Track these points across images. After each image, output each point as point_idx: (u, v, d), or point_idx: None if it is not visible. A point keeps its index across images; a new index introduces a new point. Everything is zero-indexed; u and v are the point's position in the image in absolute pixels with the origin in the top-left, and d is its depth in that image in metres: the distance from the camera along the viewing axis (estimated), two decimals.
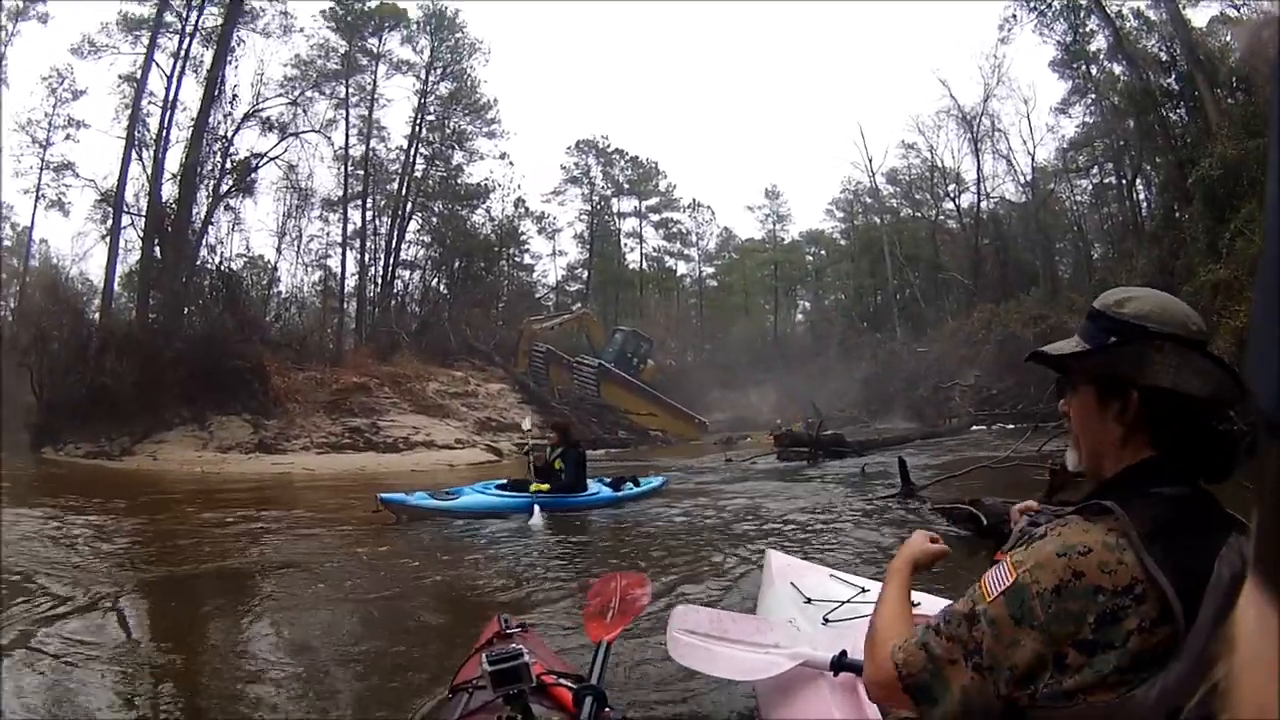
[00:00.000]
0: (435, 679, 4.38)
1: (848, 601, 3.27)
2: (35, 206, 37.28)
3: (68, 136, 36.27)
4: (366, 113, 41.44)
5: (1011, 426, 23.75)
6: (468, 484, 12.43)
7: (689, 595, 6.50)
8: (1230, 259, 20.43)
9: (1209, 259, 21.94)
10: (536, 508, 10.71)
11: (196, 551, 9.08)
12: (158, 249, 30.13)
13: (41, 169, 36.50)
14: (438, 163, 44.56)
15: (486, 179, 46.94)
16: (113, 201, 31.00)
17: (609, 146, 58.13)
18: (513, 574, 7.88)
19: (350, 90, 40.56)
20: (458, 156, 45.48)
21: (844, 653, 2.68)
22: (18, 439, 24.35)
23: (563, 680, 2.65)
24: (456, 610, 6.66)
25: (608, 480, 13.11)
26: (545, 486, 11.40)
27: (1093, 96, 37.93)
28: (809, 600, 3.44)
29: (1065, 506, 1.62)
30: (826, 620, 3.13)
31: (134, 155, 31.04)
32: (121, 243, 31.23)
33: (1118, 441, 1.53)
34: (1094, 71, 37.10)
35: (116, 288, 31.88)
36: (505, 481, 11.94)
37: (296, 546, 9.36)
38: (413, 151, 43.03)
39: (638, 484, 13.30)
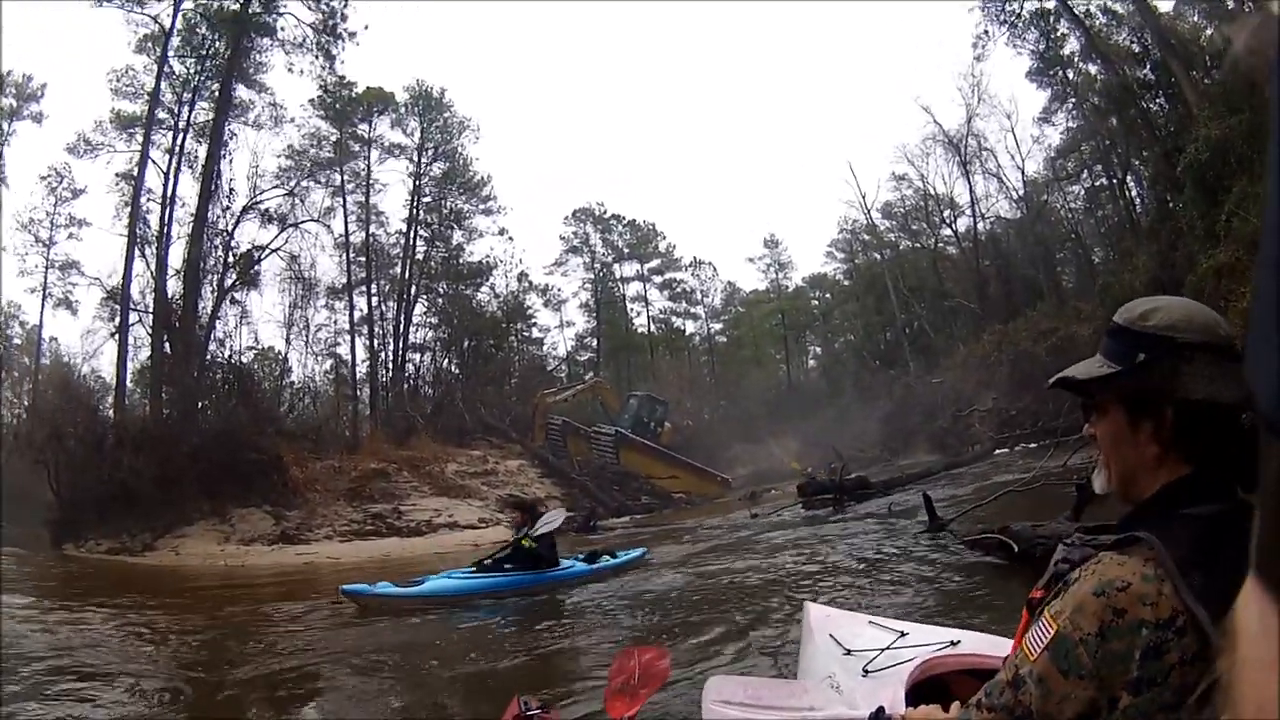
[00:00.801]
0: None
1: (887, 649, 3.16)
2: (43, 305, 38.06)
3: (70, 235, 37.32)
4: (364, 198, 42.10)
5: (1034, 445, 23.62)
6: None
7: (727, 659, 6.40)
8: (1229, 240, 20.41)
9: (1208, 244, 21.96)
10: (481, 591, 10.70)
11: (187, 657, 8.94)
12: (167, 345, 30.35)
13: (47, 268, 37.24)
14: (438, 243, 45.04)
15: (487, 256, 47.55)
16: (119, 299, 31.30)
17: (606, 213, 58.82)
18: (513, 654, 7.77)
19: (345, 177, 41.26)
20: (457, 236, 46.11)
21: (881, 709, 2.58)
22: (38, 535, 24.48)
23: None
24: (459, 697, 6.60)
25: (581, 556, 13.04)
26: (498, 562, 11.30)
27: (1073, 101, 38.20)
28: (848, 652, 3.33)
29: (1098, 535, 1.53)
30: (866, 671, 3.03)
31: (137, 252, 31.41)
32: (130, 339, 31.48)
33: (1153, 461, 1.45)
34: (1071, 75, 37.40)
35: (129, 384, 32.06)
36: (473, 566, 11.61)
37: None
38: (412, 234, 43.58)
39: (615, 556, 13.18)
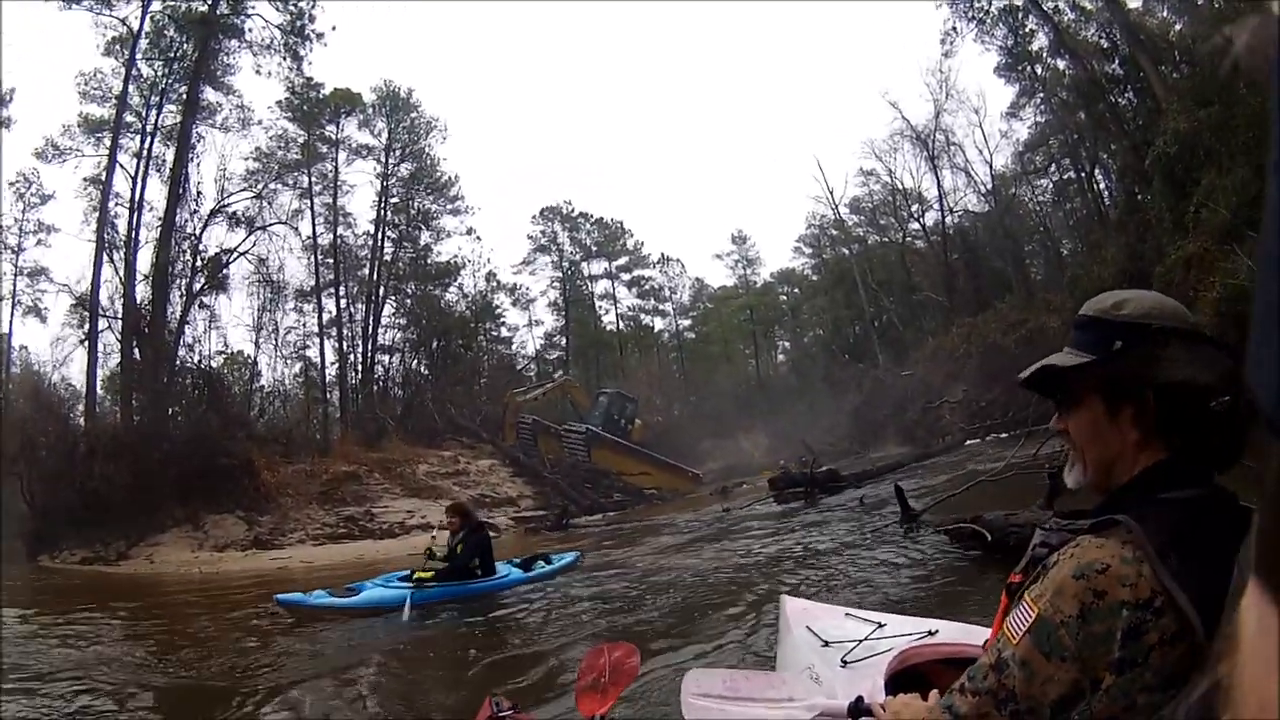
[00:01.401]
0: None
1: (865, 640, 3.20)
2: (12, 313, 37.36)
3: (39, 241, 36.63)
4: (331, 200, 41.92)
5: (1005, 435, 23.74)
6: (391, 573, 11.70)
7: (701, 654, 6.44)
8: (1197, 231, 20.63)
9: (1176, 236, 22.15)
10: (407, 603, 9.92)
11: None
12: (136, 351, 30.13)
13: (16, 275, 36.66)
14: (406, 244, 44.96)
15: (455, 256, 47.52)
16: (88, 306, 31.04)
17: (573, 211, 58.81)
18: (471, 659, 7.61)
19: (313, 179, 41.08)
20: (425, 236, 46.09)
21: (860, 699, 2.63)
22: (13, 548, 24.14)
23: None
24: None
25: (517, 562, 12.52)
26: (428, 574, 10.62)
27: (1041, 96, 38.38)
28: (826, 643, 3.34)
29: (1075, 520, 1.56)
30: (845, 662, 3.06)
31: (105, 258, 31.15)
32: (100, 346, 31.27)
33: (1134, 447, 1.48)
34: (1039, 71, 37.49)
35: (99, 391, 31.80)
36: (409, 572, 10.94)
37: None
38: (380, 235, 43.51)
39: (550, 562, 12.77)
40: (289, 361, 41.59)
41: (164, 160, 32.80)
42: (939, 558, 9.21)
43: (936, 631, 3.16)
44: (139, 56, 32.35)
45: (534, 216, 58.42)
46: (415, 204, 45.30)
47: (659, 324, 63.75)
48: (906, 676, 2.93)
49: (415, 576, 10.54)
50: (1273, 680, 0.49)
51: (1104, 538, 1.37)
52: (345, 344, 41.33)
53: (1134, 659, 1.26)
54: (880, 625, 3.37)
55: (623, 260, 60.89)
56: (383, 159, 43.80)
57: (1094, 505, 1.56)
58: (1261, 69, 0.49)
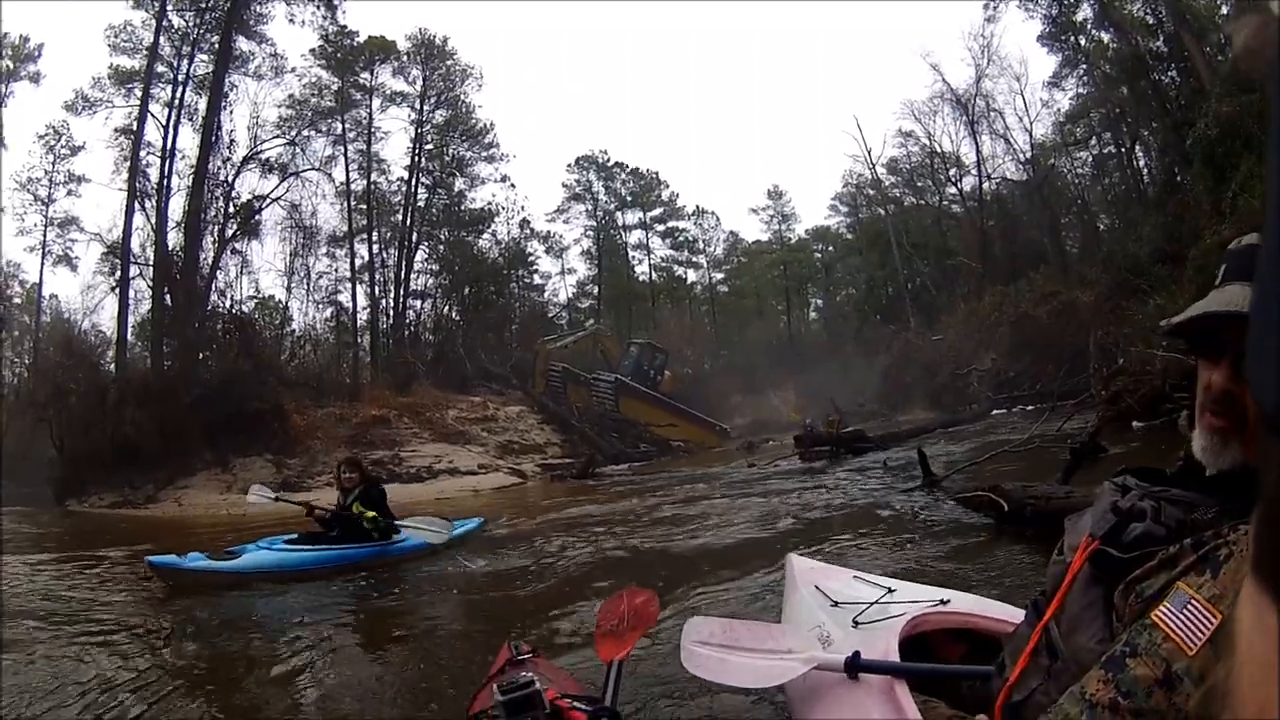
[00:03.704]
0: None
1: (875, 603, 3.12)
2: (42, 263, 37.90)
3: (70, 192, 36.97)
4: (365, 147, 41.86)
5: (1031, 408, 23.61)
6: (418, 516, 10.91)
7: (710, 607, 6.43)
8: (1234, 217, 20.30)
9: (1213, 220, 21.88)
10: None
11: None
12: (168, 297, 30.35)
13: (46, 226, 37.08)
14: (439, 191, 44.95)
15: (489, 203, 47.47)
16: (119, 254, 31.24)
17: (609, 160, 58.69)
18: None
19: (347, 126, 41.03)
20: (459, 183, 45.96)
21: (857, 654, 2.63)
22: (41, 492, 24.69)
23: (577, 704, 2.66)
24: None
25: None
26: (371, 514, 9.68)
27: (1084, 67, 37.82)
28: (836, 604, 3.31)
29: (1168, 488, 1.42)
30: (856, 623, 2.99)
31: (137, 206, 31.33)
32: (131, 293, 31.47)
33: None
34: (1083, 42, 37.01)
35: (130, 338, 32.08)
36: (296, 535, 9.77)
37: None
38: (414, 181, 43.44)
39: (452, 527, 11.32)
40: (320, 306, 41.72)
41: (196, 109, 32.93)
42: (954, 525, 9.12)
43: (948, 601, 3.10)
44: (170, 7, 32.32)
45: (569, 165, 58.50)
46: (450, 151, 45.18)
47: (692, 276, 63.75)
48: (916, 644, 2.89)
49: (356, 510, 9.59)
50: (1272, 681, 0.49)
51: None
52: (377, 289, 41.50)
53: None
54: (890, 590, 3.31)
55: (657, 211, 60.78)
56: (417, 106, 43.66)
57: (1174, 471, 1.47)
58: (1261, 69, 0.49)
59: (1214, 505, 1.31)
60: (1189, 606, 1.20)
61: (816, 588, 3.57)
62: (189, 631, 6.93)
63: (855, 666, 2.60)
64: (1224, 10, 28.30)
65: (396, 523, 10.21)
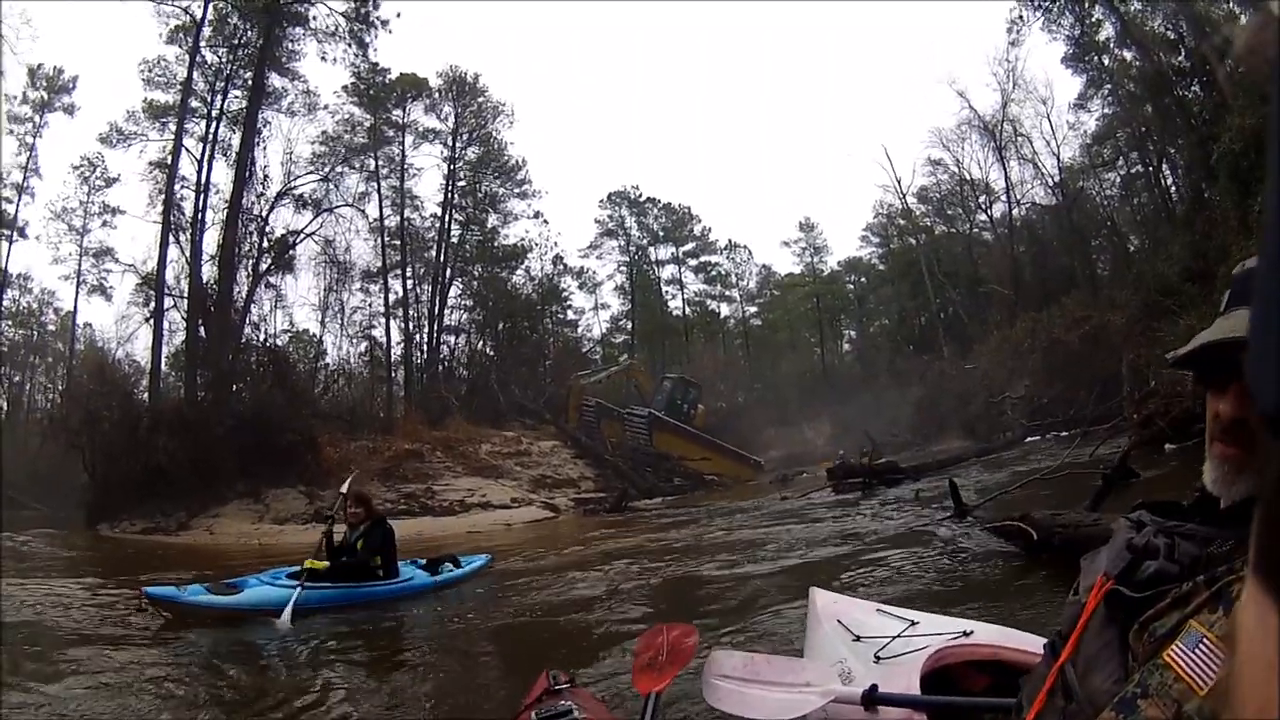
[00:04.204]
0: None
1: (898, 636, 3.12)
2: (77, 292, 38.75)
3: (104, 223, 38.02)
4: (398, 183, 42.38)
5: (1065, 434, 23.40)
6: (410, 558, 10.79)
7: (738, 639, 6.42)
8: (1261, 232, 20.13)
9: (1241, 235, 21.67)
10: (288, 608, 8.42)
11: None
12: (202, 329, 30.70)
13: (81, 255, 37.86)
14: (473, 227, 45.24)
15: (523, 239, 47.62)
16: (154, 285, 31.71)
17: (641, 196, 58.93)
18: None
19: (380, 162, 41.56)
20: (492, 219, 46.27)
21: (874, 686, 2.64)
22: (72, 515, 25.12)
23: None
24: None
25: (421, 563, 11.00)
26: (323, 564, 9.21)
27: (1108, 87, 37.66)
28: (858, 638, 3.28)
29: (1182, 524, 1.38)
30: (878, 658, 2.98)
31: (171, 239, 31.78)
32: (165, 324, 31.91)
33: None
34: (1106, 61, 36.89)
35: (163, 368, 32.55)
36: (298, 569, 9.31)
37: None
38: (447, 217, 43.82)
39: (458, 564, 11.27)
40: (354, 341, 42.12)
41: (230, 144, 33.37)
42: (983, 555, 9.08)
43: (972, 633, 3.08)
44: (203, 44, 32.94)
45: (601, 201, 58.78)
46: (482, 187, 45.63)
47: (725, 310, 63.65)
48: (939, 677, 2.90)
49: (306, 566, 9.14)
50: (1273, 681, 0.49)
51: None
52: (411, 324, 41.80)
53: None
54: (913, 623, 3.29)
55: (690, 246, 60.80)
56: (450, 143, 44.12)
57: (1190, 503, 1.42)
58: (1261, 69, 0.49)
59: (1230, 538, 1.26)
60: (1201, 645, 1.17)
61: (839, 622, 3.53)
62: (185, 666, 6.82)
63: (873, 700, 2.62)
64: (1243, 20, 28.23)
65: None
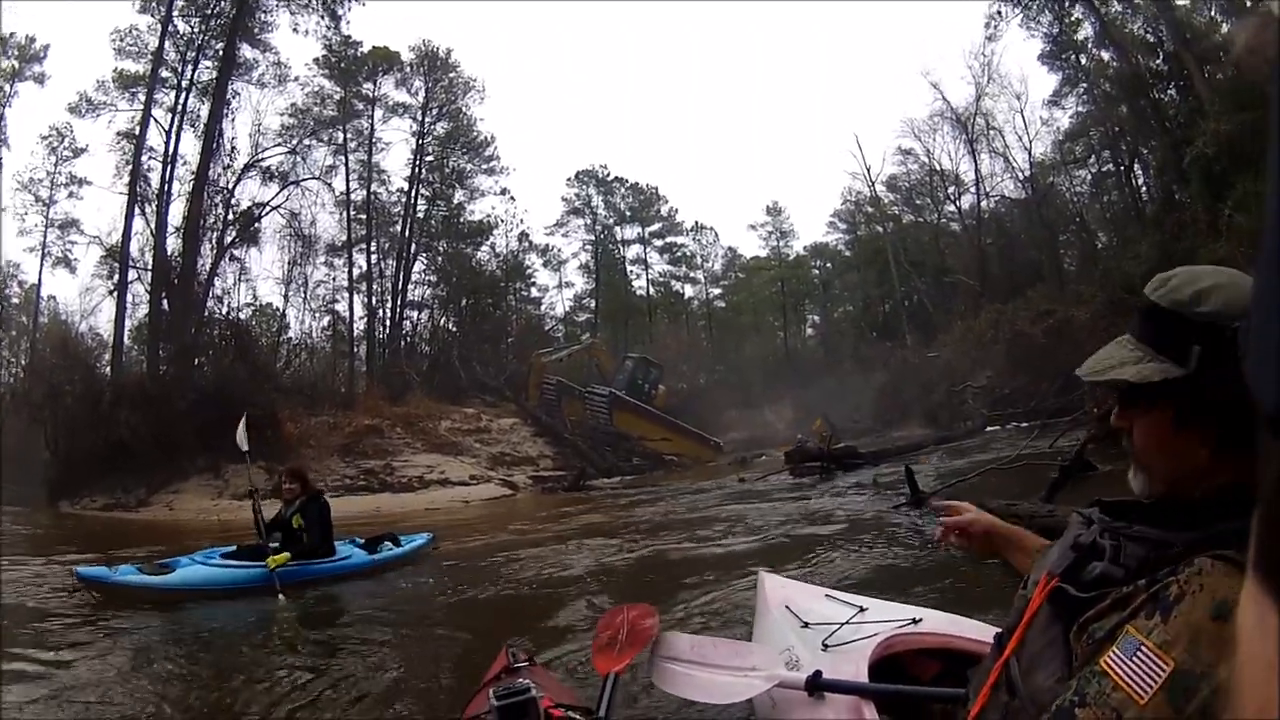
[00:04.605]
0: None
1: (846, 623, 3.12)
2: (41, 264, 38.03)
3: (70, 194, 37.16)
4: (366, 157, 42.03)
5: (1026, 425, 23.56)
6: (349, 538, 10.31)
7: (690, 620, 6.44)
8: (1230, 236, 20.45)
9: (1210, 239, 22.01)
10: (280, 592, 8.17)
11: None
12: (165, 302, 30.36)
13: (46, 227, 37.20)
14: (439, 202, 45.08)
15: (489, 215, 47.57)
16: (118, 257, 31.35)
17: (609, 175, 58.82)
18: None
19: (348, 135, 41.18)
20: (459, 195, 46.16)
21: (818, 673, 2.67)
22: (35, 493, 24.70)
23: (572, 713, 2.67)
24: None
25: (360, 541, 10.44)
26: (283, 557, 8.66)
27: (1084, 86, 38.03)
28: (806, 624, 3.28)
29: (1130, 524, 1.39)
30: (826, 646, 2.98)
31: (137, 210, 31.36)
32: (129, 297, 31.52)
33: (1205, 465, 1.29)
34: (1083, 60, 37.28)
35: (126, 341, 32.13)
36: (235, 548, 9.22)
37: None
38: (414, 192, 43.59)
39: (398, 543, 10.79)
40: (317, 315, 41.95)
41: (198, 115, 33.01)
42: (934, 543, 9.17)
43: (920, 620, 3.09)
44: (175, 13, 32.45)
45: (569, 179, 58.61)
46: (450, 163, 45.44)
47: (689, 291, 63.83)
48: (889, 664, 2.90)
49: (270, 564, 8.52)
50: (1273, 681, 0.49)
51: (1230, 565, 1.15)
52: (374, 299, 41.58)
53: None
54: (862, 609, 3.28)
55: (656, 226, 60.92)
56: (419, 117, 43.88)
57: (1151, 501, 1.42)
58: (1261, 69, 0.49)
59: (1180, 543, 1.26)
60: (1139, 653, 1.16)
61: (787, 608, 3.53)
62: (111, 650, 6.49)
63: (816, 685, 2.64)
64: (1225, 29, 28.54)
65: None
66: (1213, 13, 29.92)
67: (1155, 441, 1.37)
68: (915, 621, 3.07)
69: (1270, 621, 0.49)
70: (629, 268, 60.67)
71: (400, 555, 10.51)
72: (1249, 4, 25.80)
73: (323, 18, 36.52)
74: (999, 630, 1.74)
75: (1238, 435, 1.22)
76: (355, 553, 9.96)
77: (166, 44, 32.36)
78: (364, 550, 10.14)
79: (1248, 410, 1.13)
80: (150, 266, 30.90)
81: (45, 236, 37.58)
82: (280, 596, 8.08)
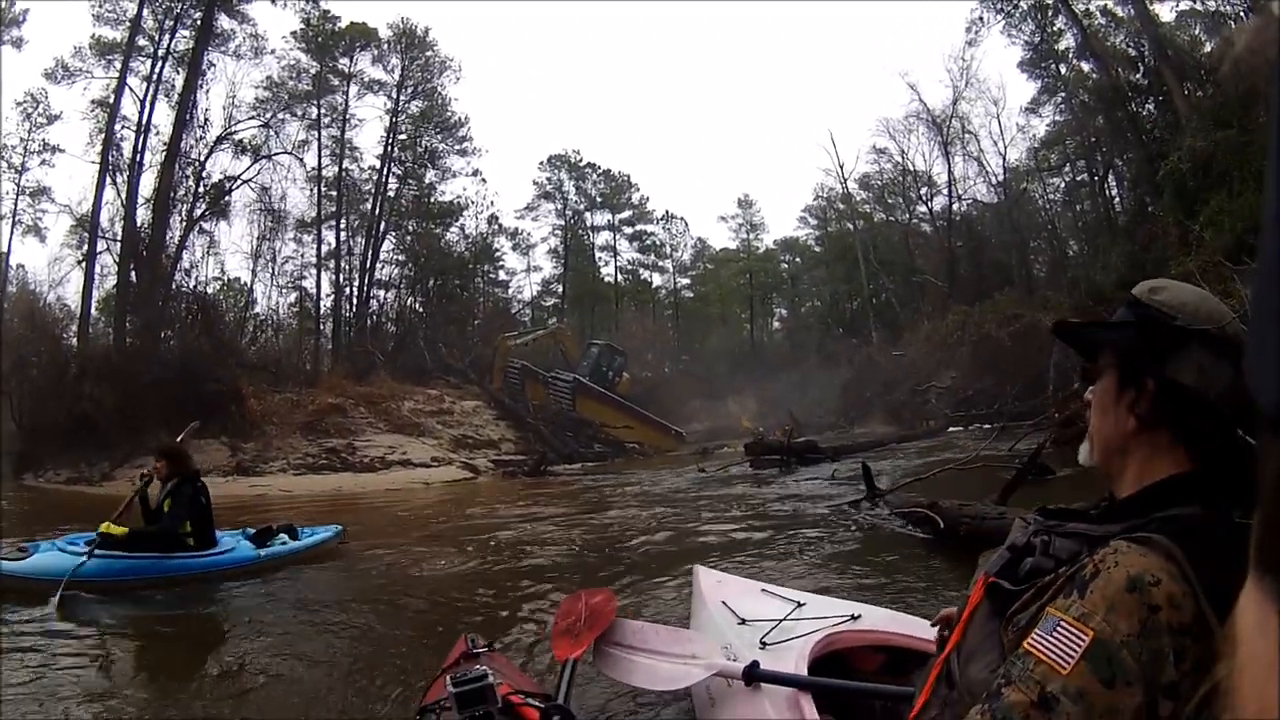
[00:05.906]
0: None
1: (784, 620, 3.18)
2: (11, 232, 37.24)
3: (43, 162, 36.27)
4: (339, 133, 41.61)
5: (988, 427, 23.80)
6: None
7: (642, 607, 6.50)
8: (1200, 250, 20.73)
9: (1180, 251, 22.29)
10: (63, 581, 6.97)
11: None
12: (133, 273, 30.06)
13: (17, 194, 36.50)
14: (410, 181, 44.75)
15: (459, 196, 47.28)
16: (88, 227, 31.00)
17: (581, 161, 58.74)
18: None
19: (322, 111, 40.75)
20: (430, 175, 45.83)
21: (755, 663, 2.74)
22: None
23: (530, 700, 2.70)
24: None
25: (250, 532, 9.33)
26: (121, 530, 7.63)
27: (1062, 95, 38.34)
28: (743, 621, 3.34)
29: (1063, 523, 1.44)
30: (764, 644, 3.01)
31: (109, 180, 30.99)
32: (98, 268, 31.21)
33: (1129, 434, 1.39)
34: (1063, 70, 37.60)
35: (94, 312, 31.74)
36: (99, 535, 7.60)
37: None
38: (385, 171, 43.26)
39: (296, 536, 9.57)
40: (284, 291, 41.59)
41: (173, 85, 32.72)
42: (887, 539, 9.24)
43: (860, 616, 3.16)
44: None
45: (541, 163, 58.43)
46: (423, 142, 45.12)
47: (657, 280, 63.94)
48: (831, 660, 2.96)
49: (101, 531, 7.57)
50: (1273, 681, 0.50)
51: (1145, 547, 1.21)
52: (342, 276, 41.24)
53: (1180, 684, 1.10)
54: (799, 605, 3.38)
55: (626, 214, 60.96)
56: (394, 95, 43.50)
57: (1089, 504, 1.51)
58: (1261, 69, 0.49)
59: (1111, 532, 1.30)
60: (1059, 629, 1.20)
61: (724, 603, 3.58)
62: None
63: (754, 676, 2.72)
64: (1207, 48, 28.89)
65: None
66: (1196, 30, 30.28)
67: (1100, 405, 1.47)
68: (855, 618, 3.15)
69: (1270, 621, 0.50)
70: (598, 254, 60.76)
71: (294, 551, 9.31)
72: (1232, 24, 26.20)
73: None
74: (941, 630, 1.84)
75: (1162, 412, 1.35)
76: (240, 545, 8.80)
77: (145, 11, 31.96)
78: (251, 543, 8.97)
79: (1173, 391, 1.32)
80: (120, 237, 30.59)
81: (16, 204, 36.97)
82: (52, 600, 6.78)
